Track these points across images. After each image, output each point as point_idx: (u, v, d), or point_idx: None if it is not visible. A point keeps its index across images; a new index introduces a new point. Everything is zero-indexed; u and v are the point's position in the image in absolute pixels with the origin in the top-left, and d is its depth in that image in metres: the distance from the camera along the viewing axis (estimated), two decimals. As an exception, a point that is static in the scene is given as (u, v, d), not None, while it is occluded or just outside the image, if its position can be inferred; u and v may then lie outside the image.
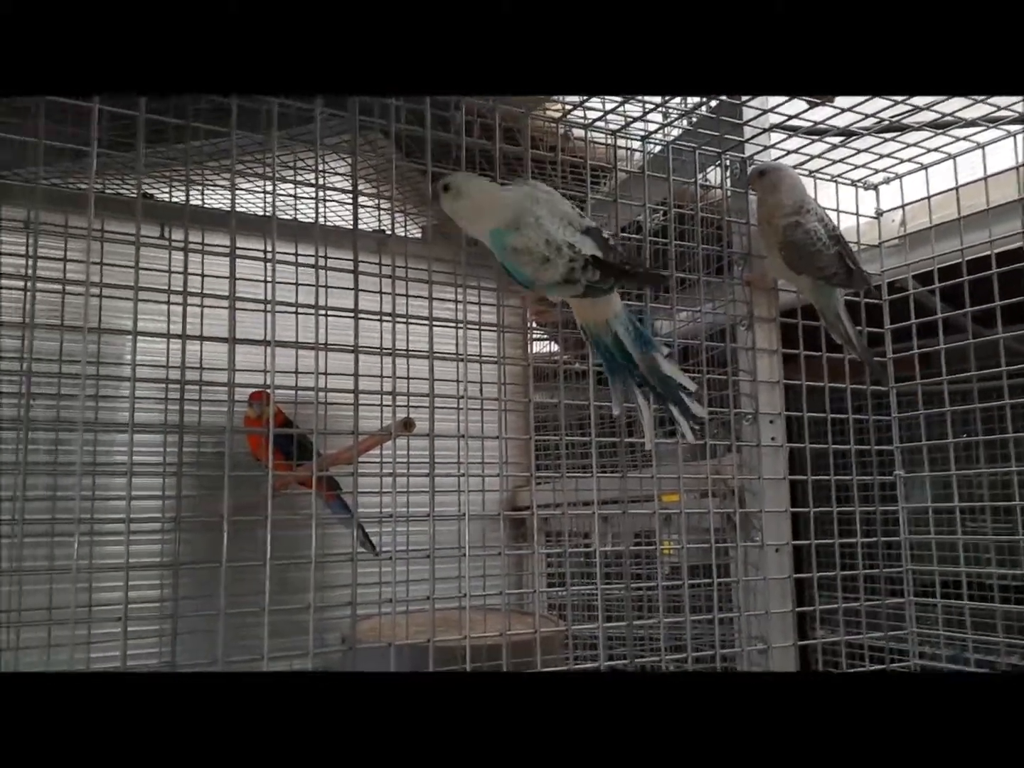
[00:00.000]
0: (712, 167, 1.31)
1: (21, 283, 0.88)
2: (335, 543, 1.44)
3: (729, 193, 1.29)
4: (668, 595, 1.14)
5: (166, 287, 0.97)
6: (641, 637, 1.29)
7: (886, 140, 1.25)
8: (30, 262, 0.84)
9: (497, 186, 1.01)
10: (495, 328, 1.10)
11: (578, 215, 1.00)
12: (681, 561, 1.12)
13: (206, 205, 1.70)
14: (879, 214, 1.38)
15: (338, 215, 1.64)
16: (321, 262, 0.98)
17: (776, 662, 1.15)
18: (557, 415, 1.09)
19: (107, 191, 1.49)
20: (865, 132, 1.19)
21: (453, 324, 1.03)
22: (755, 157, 1.27)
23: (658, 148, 1.26)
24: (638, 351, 1.03)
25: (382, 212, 1.61)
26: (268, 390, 0.94)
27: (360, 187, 1.08)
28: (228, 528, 0.85)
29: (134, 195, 0.88)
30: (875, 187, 1.38)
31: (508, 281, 1.04)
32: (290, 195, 1.46)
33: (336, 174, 1.36)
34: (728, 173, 1.29)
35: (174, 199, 1.55)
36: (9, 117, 0.98)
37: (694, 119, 1.29)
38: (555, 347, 1.72)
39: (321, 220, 1.07)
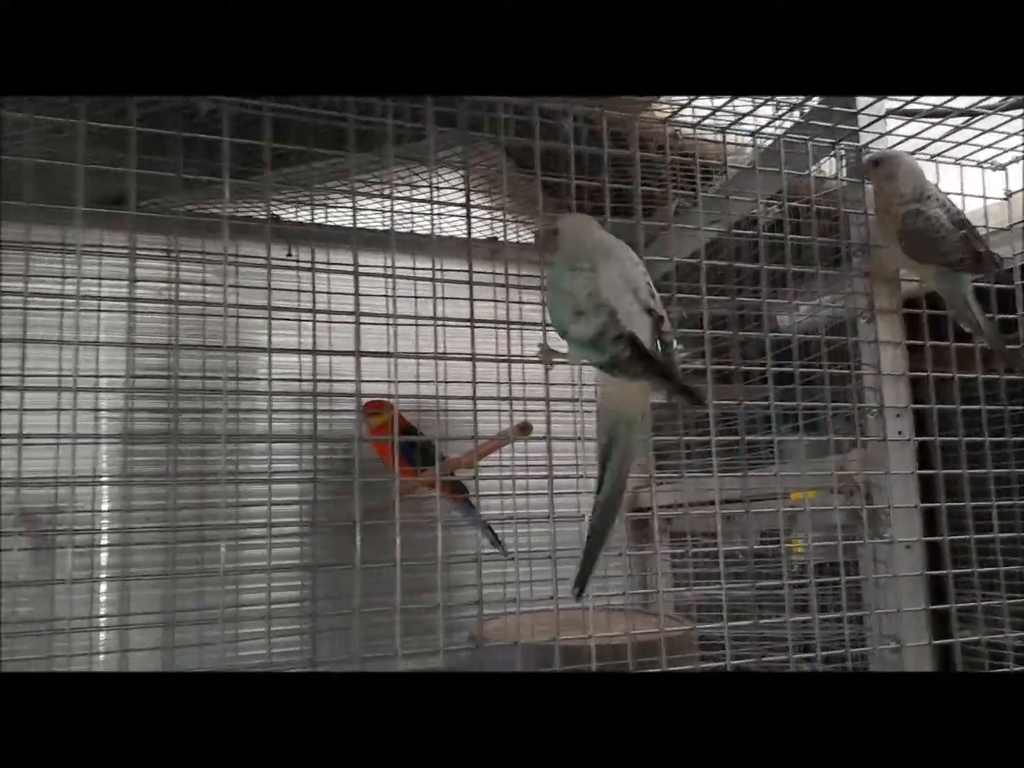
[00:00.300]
0: (826, 158, 1.29)
1: (166, 307, 0.95)
2: (462, 544, 1.49)
3: (845, 183, 1.26)
4: (795, 594, 1.13)
5: (296, 304, 1.02)
6: (768, 637, 1.28)
7: (1013, 118, 1.19)
8: (173, 287, 0.91)
9: (596, 229, 1.00)
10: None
11: (649, 295, 0.94)
12: (808, 559, 1.10)
13: (329, 222, 1.78)
14: (1008, 195, 1.32)
15: (453, 225, 1.69)
16: (438, 275, 1.02)
17: (910, 662, 1.12)
18: (675, 415, 1.10)
19: (238, 214, 1.58)
20: (990, 111, 1.15)
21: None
22: (871, 145, 1.24)
23: (769, 142, 1.25)
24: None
25: (494, 220, 1.64)
26: (390, 399, 0.99)
27: (472, 198, 1.12)
28: (360, 531, 0.89)
29: (263, 217, 0.94)
30: (1003, 167, 1.32)
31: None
32: (408, 211, 1.51)
33: (449, 187, 1.40)
34: (843, 163, 1.26)
35: (299, 218, 1.63)
36: (149, 153, 1.07)
37: (806, 110, 1.27)
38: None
39: (437, 231, 1.11)
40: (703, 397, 0.96)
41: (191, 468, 1.34)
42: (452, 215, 1.46)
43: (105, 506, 1.22)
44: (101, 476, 0.89)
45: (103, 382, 1.05)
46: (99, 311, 0.95)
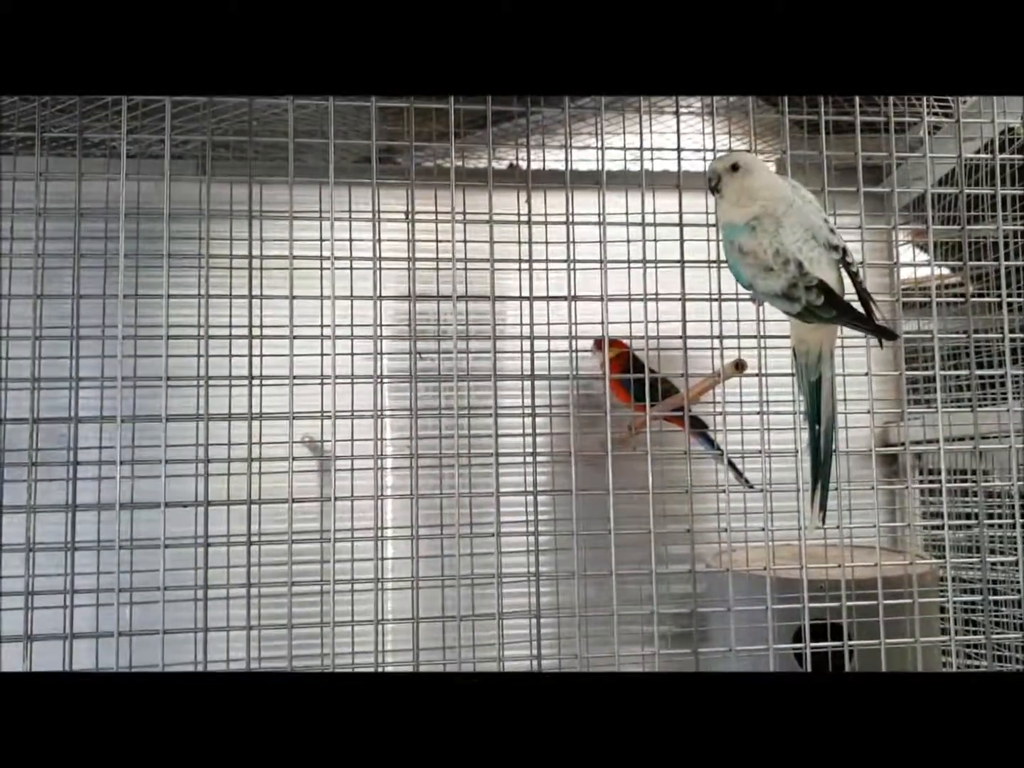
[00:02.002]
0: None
1: (405, 264, 1.03)
2: (703, 479, 1.52)
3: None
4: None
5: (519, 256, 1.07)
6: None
7: None
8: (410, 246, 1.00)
9: (772, 177, 0.98)
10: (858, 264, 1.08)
11: (828, 230, 0.95)
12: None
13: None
14: None
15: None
16: (648, 218, 1.04)
17: None
18: (929, 347, 1.06)
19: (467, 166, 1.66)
20: None
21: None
22: None
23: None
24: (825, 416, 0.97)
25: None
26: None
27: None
28: (607, 461, 0.96)
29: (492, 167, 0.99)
30: None
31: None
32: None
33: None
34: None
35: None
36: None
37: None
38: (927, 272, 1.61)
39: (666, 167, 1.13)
40: (896, 334, 0.98)
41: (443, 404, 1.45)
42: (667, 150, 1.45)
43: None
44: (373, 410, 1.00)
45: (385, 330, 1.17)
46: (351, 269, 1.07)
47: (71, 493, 0.97)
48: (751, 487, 1.16)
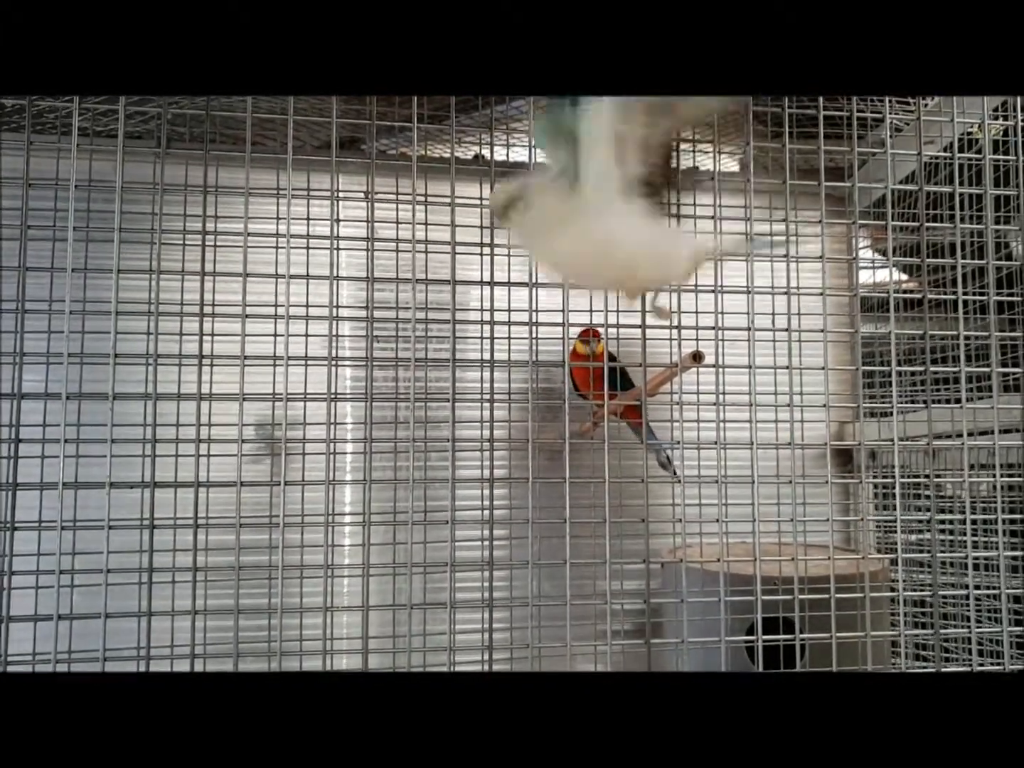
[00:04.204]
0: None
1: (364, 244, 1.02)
2: (659, 472, 1.52)
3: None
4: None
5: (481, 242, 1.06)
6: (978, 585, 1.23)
7: None
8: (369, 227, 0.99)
9: None
10: (817, 259, 1.09)
11: None
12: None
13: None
14: None
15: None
16: None
17: None
18: (882, 348, 1.06)
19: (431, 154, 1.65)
20: None
21: (773, 258, 1.05)
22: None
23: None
24: None
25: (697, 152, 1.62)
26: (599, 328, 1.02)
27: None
28: (567, 451, 0.95)
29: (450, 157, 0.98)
30: None
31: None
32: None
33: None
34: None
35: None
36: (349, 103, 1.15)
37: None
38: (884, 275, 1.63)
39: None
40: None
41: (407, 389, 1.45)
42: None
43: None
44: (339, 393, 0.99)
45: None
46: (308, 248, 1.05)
47: (11, 472, 0.94)
48: (677, 479, 1.16)
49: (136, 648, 0.91)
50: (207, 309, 0.97)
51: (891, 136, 1.10)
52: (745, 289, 1.02)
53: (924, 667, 1.44)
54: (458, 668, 0.95)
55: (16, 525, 0.92)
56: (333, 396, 0.94)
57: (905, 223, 1.13)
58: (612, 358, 1.49)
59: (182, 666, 0.96)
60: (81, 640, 0.97)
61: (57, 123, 1.40)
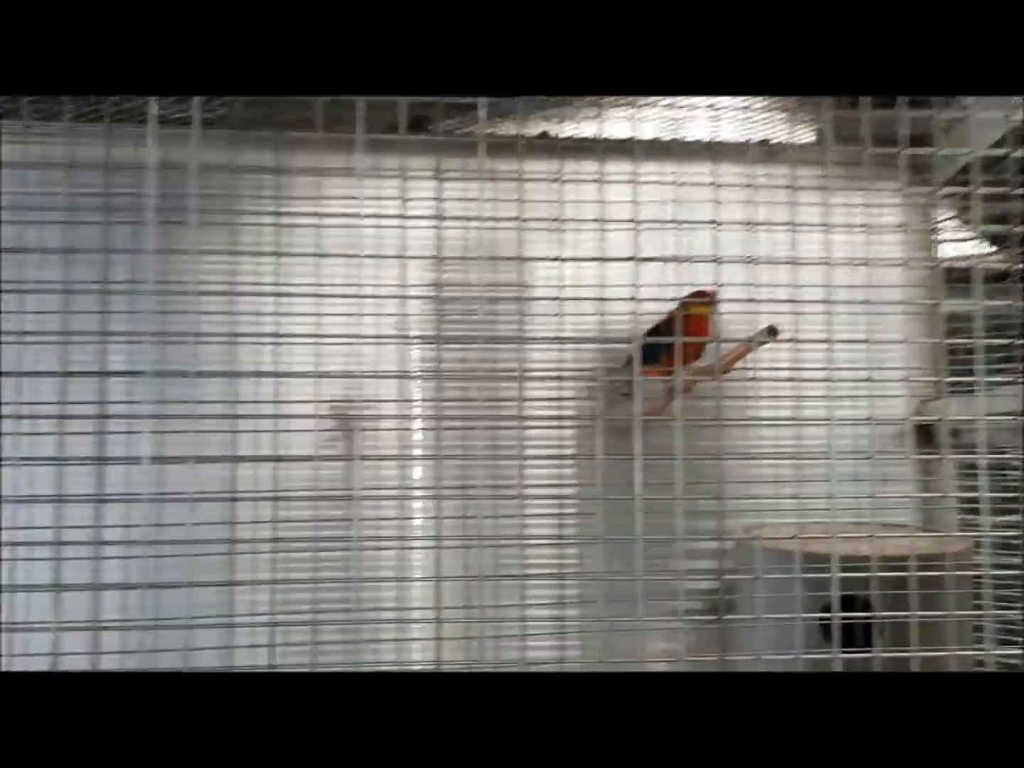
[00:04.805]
0: None
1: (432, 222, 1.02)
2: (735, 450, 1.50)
3: None
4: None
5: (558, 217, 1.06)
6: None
7: None
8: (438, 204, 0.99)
9: None
10: (900, 229, 1.06)
11: None
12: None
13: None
14: None
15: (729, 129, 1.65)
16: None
17: None
18: (966, 323, 1.02)
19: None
20: None
21: (850, 228, 1.02)
22: None
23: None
24: None
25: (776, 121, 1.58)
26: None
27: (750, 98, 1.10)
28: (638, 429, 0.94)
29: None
30: None
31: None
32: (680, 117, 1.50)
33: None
34: None
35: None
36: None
37: None
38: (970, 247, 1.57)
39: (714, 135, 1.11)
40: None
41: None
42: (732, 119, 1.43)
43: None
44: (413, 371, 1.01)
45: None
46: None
47: (101, 447, 0.98)
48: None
49: (218, 617, 0.95)
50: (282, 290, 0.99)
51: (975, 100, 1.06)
52: (823, 261, 0.99)
53: (1009, 651, 1.39)
54: (529, 641, 0.96)
55: (104, 498, 0.96)
56: (406, 374, 0.96)
57: (992, 190, 1.09)
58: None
59: (262, 636, 0.99)
60: (167, 611, 1.00)
61: (135, 112, 1.44)
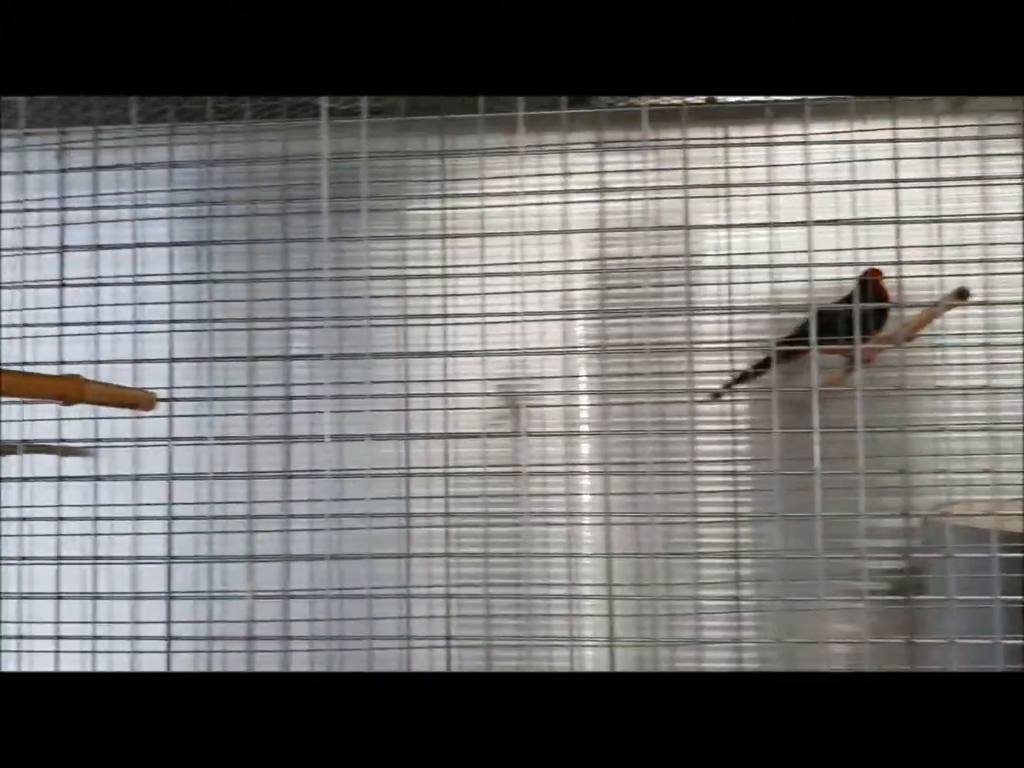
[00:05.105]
0: None
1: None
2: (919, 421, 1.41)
3: None
4: None
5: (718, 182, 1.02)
6: None
7: None
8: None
9: None
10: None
11: None
12: None
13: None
14: None
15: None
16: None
17: None
18: None
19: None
20: None
21: None
22: None
23: None
24: None
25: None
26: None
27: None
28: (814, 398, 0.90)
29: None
30: None
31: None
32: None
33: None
34: None
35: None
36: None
37: None
38: None
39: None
40: None
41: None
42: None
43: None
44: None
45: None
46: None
47: (286, 427, 1.04)
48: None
49: (398, 587, 0.98)
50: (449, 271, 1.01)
51: None
52: (1019, 216, 0.91)
53: None
54: (704, 620, 0.94)
55: (291, 473, 1.02)
56: (570, 349, 0.96)
57: None
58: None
59: (439, 607, 1.02)
60: (349, 581, 1.05)
61: (309, 105, 1.50)
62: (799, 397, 0.94)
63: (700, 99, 1.75)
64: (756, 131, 1.08)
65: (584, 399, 1.42)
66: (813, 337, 0.95)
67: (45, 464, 1.05)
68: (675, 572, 1.20)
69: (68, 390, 0.79)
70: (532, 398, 1.12)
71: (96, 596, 1.02)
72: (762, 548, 1.19)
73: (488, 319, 0.94)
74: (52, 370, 1.00)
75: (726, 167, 0.97)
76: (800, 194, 0.93)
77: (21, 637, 1.03)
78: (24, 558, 1.02)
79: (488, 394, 0.93)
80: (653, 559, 0.94)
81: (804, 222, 0.95)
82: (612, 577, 0.93)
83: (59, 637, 1.03)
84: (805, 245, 0.93)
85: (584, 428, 1.38)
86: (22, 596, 1.02)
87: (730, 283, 1.00)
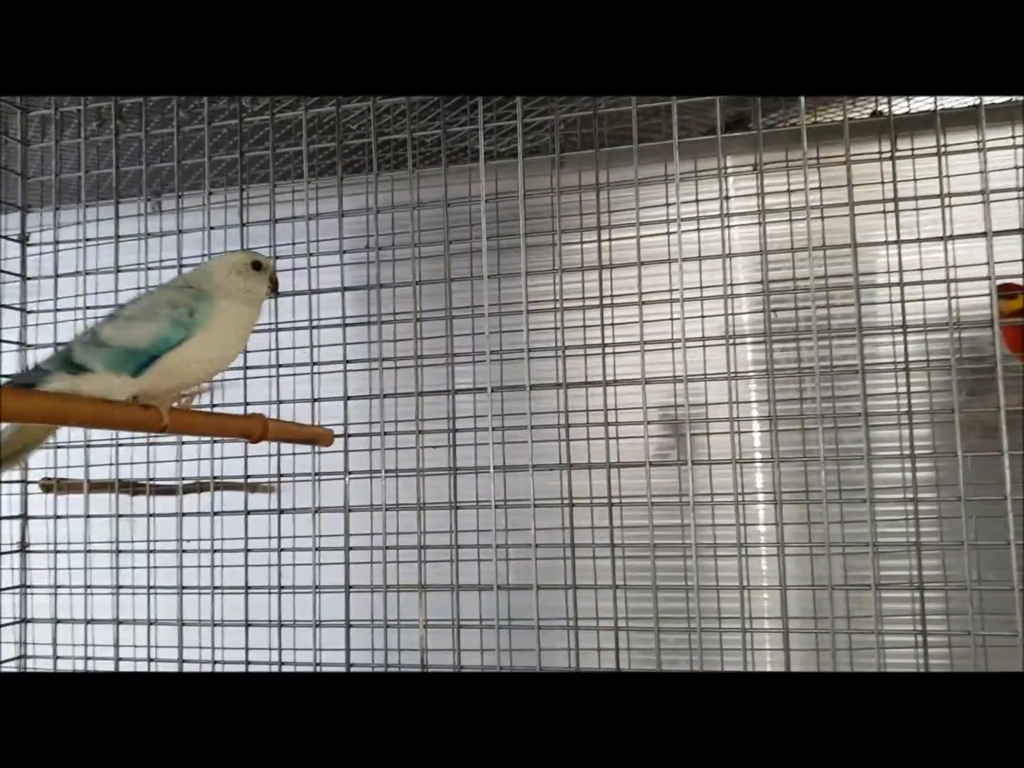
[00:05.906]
0: None
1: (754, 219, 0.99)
2: None
3: None
4: None
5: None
6: None
7: None
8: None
9: None
10: None
11: None
12: None
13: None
14: None
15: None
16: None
17: None
18: None
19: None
20: None
21: None
22: None
23: None
24: None
25: None
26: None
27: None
28: (1003, 423, 0.84)
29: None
30: None
31: None
32: None
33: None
34: None
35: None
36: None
37: None
38: None
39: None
40: None
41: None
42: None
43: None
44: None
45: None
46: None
47: (452, 458, 1.06)
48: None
49: (565, 619, 0.98)
50: (606, 301, 1.01)
51: None
52: None
53: None
54: (887, 658, 0.88)
55: (458, 504, 1.04)
56: (733, 375, 0.94)
57: None
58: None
59: (608, 639, 1.01)
60: (517, 612, 1.06)
61: (467, 149, 1.55)
62: (988, 420, 0.88)
63: (865, 113, 1.69)
64: (926, 141, 1.03)
65: (755, 425, 1.38)
66: (998, 355, 0.89)
67: (234, 498, 1.12)
68: (855, 605, 1.13)
69: (253, 429, 0.84)
70: (696, 425, 1.10)
71: (281, 624, 1.08)
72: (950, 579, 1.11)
73: (647, 347, 0.93)
74: (238, 411, 1.07)
75: (893, 180, 0.93)
76: (976, 204, 0.88)
77: (215, 662, 1.09)
78: (215, 587, 1.09)
79: (650, 422, 0.92)
80: (831, 591, 0.90)
81: (983, 233, 0.89)
82: (787, 610, 0.90)
83: (248, 662, 1.08)
84: (985, 257, 0.87)
85: (756, 456, 1.34)
86: (214, 624, 1.08)
87: (903, 300, 0.95)
